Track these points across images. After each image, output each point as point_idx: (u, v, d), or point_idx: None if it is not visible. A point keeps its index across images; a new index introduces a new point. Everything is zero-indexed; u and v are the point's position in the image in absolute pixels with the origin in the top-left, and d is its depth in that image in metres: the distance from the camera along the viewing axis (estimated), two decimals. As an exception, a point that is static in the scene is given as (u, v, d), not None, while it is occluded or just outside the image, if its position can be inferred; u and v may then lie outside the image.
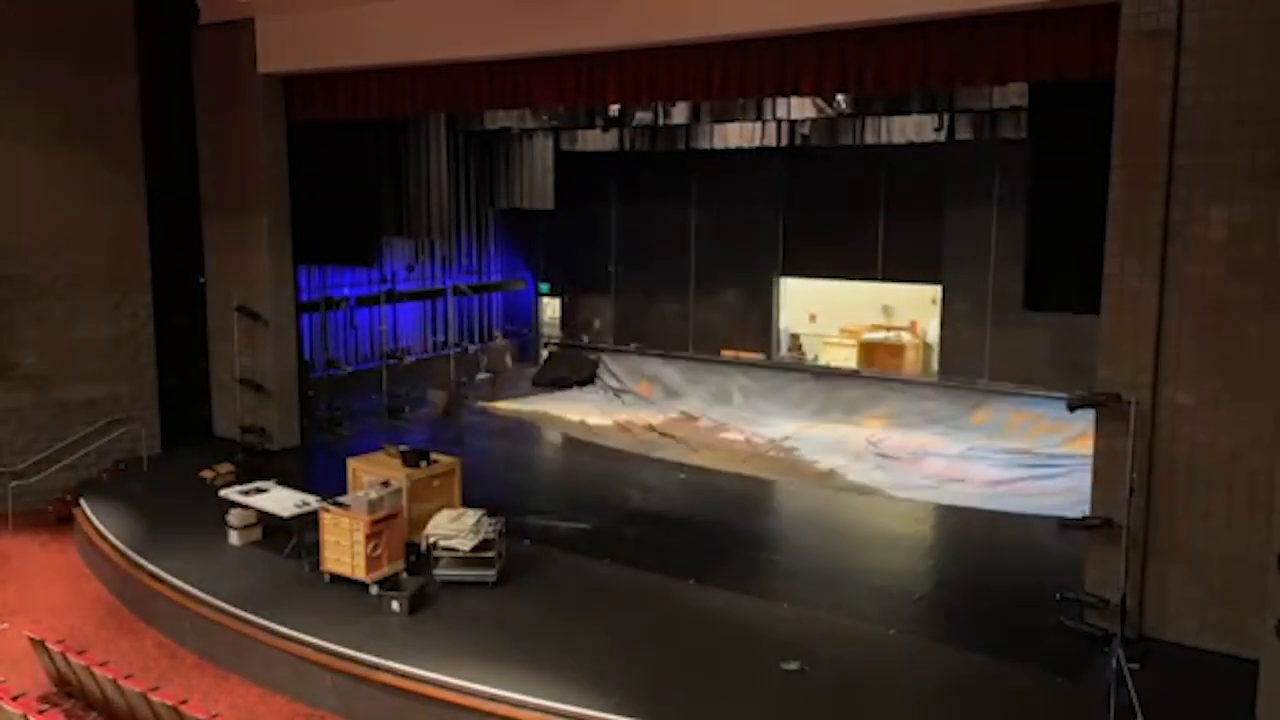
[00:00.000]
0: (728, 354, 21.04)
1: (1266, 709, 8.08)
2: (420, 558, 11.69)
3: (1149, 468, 9.72)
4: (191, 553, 12.40)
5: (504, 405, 20.59)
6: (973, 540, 13.01)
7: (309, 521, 11.90)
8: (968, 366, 18.73)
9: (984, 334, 18.48)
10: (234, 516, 12.70)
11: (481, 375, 23.06)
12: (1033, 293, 11.58)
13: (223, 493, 13.09)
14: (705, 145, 20.12)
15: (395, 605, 10.66)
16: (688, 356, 21.35)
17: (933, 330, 20.71)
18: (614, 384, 21.39)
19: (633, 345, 21.92)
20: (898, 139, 17.75)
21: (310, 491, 12.68)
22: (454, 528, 11.44)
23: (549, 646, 9.94)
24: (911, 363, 21.36)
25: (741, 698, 9.04)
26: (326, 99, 16.20)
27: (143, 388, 16.66)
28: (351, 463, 13.04)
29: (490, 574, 11.33)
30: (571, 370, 22.50)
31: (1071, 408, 10.31)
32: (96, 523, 13.62)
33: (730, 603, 11.00)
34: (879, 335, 21.71)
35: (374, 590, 11.05)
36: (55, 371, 15.76)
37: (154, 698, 8.70)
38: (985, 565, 12.19)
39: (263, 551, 12.51)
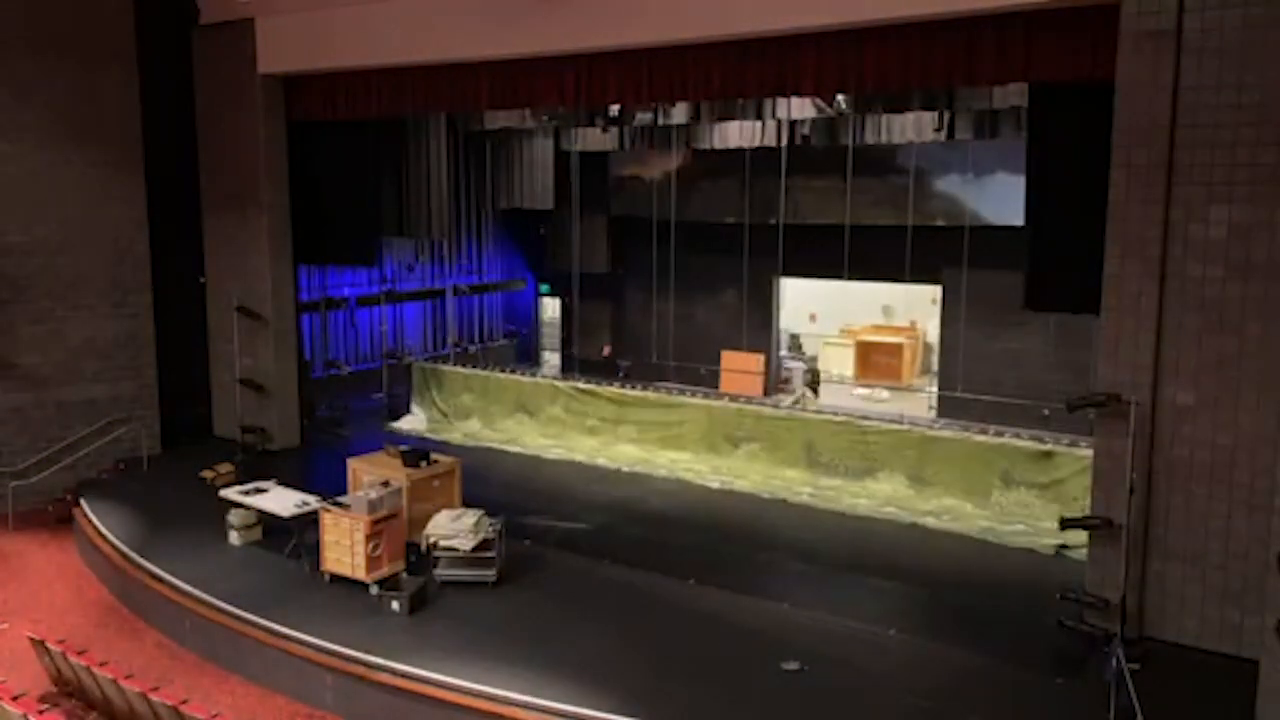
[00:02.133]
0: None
1: (1266, 709, 8.08)
2: (420, 557, 11.70)
3: (1149, 468, 9.73)
4: (191, 553, 12.41)
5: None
6: (972, 539, 13.00)
7: (309, 521, 11.90)
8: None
9: (985, 334, 18.47)
10: (234, 516, 12.71)
11: None
12: (1033, 293, 11.58)
13: (223, 493, 13.08)
14: (705, 145, 20.12)
15: (395, 605, 10.66)
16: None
17: (932, 330, 20.73)
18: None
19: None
20: (898, 139, 17.75)
21: (310, 491, 12.69)
22: (454, 528, 11.44)
23: (549, 646, 9.95)
24: (909, 364, 21.41)
25: (741, 698, 9.05)
26: (326, 99, 16.22)
27: (143, 388, 16.67)
28: (351, 463, 13.04)
29: (490, 574, 11.34)
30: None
31: (1071, 408, 10.33)
32: (96, 523, 13.61)
33: (730, 603, 11.00)
34: (875, 337, 21.75)
35: (374, 590, 11.05)
36: (55, 371, 15.77)
37: (154, 698, 8.70)
38: (985, 565, 12.19)
39: (263, 551, 12.52)
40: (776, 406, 16.41)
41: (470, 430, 18.43)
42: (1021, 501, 13.72)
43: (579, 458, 16.71)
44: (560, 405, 18.06)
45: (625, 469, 16.03)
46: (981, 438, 14.37)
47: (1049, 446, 13.75)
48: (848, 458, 15.16)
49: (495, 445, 17.51)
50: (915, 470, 14.59)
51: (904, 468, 14.68)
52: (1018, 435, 14.35)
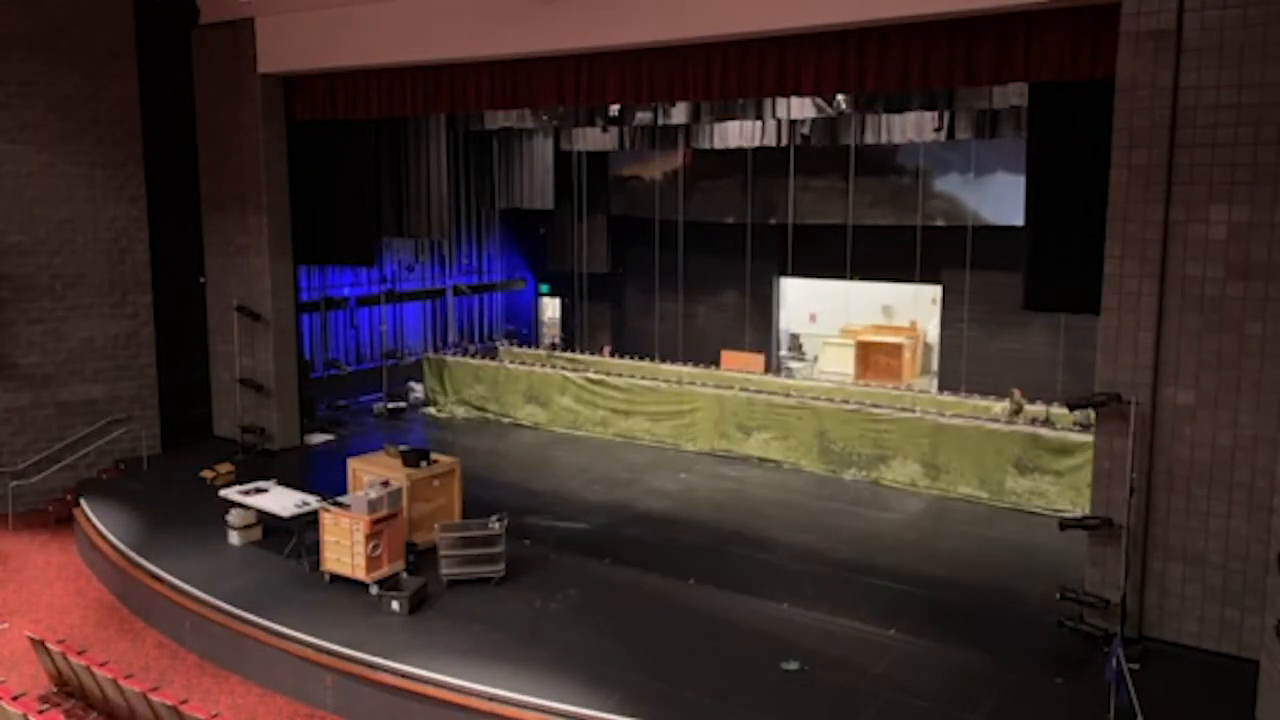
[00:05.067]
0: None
1: (1266, 709, 8.08)
2: (420, 557, 11.71)
3: (1149, 468, 9.73)
4: (191, 553, 12.41)
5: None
6: (972, 539, 13.01)
7: (309, 521, 11.91)
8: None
9: (985, 335, 18.45)
10: (234, 516, 12.71)
11: None
12: (1032, 293, 11.58)
13: (223, 493, 13.09)
14: (705, 145, 20.11)
15: (395, 605, 10.67)
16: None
17: (933, 330, 20.71)
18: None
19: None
20: (898, 139, 17.75)
21: (310, 491, 12.69)
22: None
23: (549, 646, 9.96)
24: (909, 364, 21.39)
25: (741, 698, 9.05)
26: (326, 99, 16.22)
27: (143, 388, 16.68)
28: (351, 463, 13.04)
29: (499, 569, 11.38)
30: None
31: (1071, 407, 10.33)
32: (96, 523, 13.62)
33: (730, 603, 11.00)
34: (875, 337, 21.73)
35: (374, 590, 11.06)
36: (55, 371, 15.78)
37: (154, 698, 8.71)
38: (985, 565, 12.19)
39: (263, 551, 12.52)
40: (787, 397, 16.54)
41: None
42: (1035, 489, 13.92)
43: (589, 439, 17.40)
44: (570, 396, 18.20)
45: (627, 473, 16.05)
46: (994, 426, 14.50)
47: (1061, 434, 13.87)
48: (861, 445, 15.38)
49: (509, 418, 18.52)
50: (929, 458, 14.79)
51: (917, 455, 14.89)
52: (1030, 422, 14.45)
